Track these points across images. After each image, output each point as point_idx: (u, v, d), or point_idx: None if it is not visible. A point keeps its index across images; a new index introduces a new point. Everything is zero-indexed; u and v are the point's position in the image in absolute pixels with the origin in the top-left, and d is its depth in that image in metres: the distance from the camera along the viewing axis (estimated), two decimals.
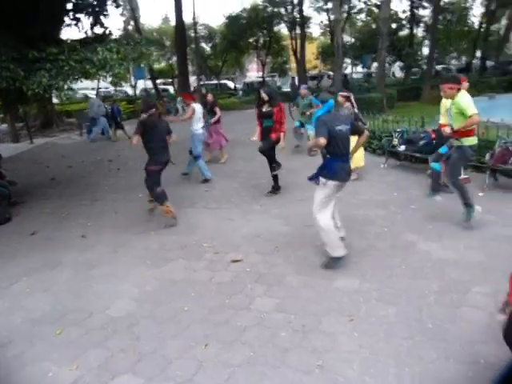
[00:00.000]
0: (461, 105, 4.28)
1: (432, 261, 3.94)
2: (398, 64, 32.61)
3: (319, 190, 3.89)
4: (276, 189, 6.43)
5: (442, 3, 28.27)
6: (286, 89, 31.34)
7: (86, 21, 6.21)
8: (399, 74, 33.10)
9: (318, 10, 29.90)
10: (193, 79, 28.55)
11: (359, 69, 35.23)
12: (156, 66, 32.25)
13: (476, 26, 29.13)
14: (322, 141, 3.56)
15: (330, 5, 29.18)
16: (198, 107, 7.55)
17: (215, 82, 29.60)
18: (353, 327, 3.02)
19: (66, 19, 6.11)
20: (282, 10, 28.34)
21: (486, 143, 6.50)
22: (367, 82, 25.90)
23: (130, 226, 5.45)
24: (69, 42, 5.37)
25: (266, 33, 29.02)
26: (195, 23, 21.39)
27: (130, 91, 30.43)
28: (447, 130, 4.55)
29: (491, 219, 4.79)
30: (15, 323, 3.38)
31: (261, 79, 31.45)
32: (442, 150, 5.07)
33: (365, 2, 28.92)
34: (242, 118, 16.56)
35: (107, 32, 6.00)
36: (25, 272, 4.30)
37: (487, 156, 5.77)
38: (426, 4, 28.54)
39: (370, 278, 3.71)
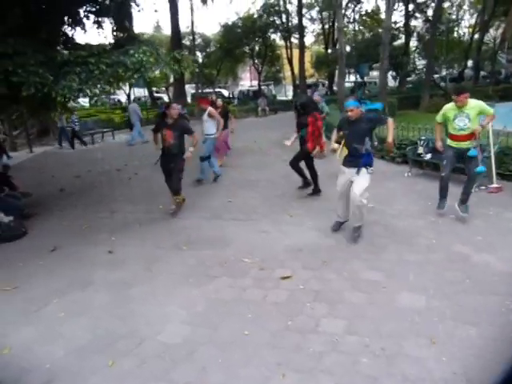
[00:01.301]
0: (482, 106, 4.87)
1: (495, 274, 3.73)
2: (391, 73, 33.17)
3: (367, 178, 4.41)
4: (316, 191, 6.43)
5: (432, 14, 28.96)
6: (281, 97, 31.50)
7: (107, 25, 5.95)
8: (392, 83, 33.46)
9: (312, 19, 30.09)
10: (187, 87, 28.33)
11: (351, 77, 35.52)
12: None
13: (467, 36, 29.76)
14: None
15: (324, 14, 29.51)
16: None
17: (210, 90, 29.38)
18: (438, 351, 2.77)
19: (87, 22, 5.83)
20: (278, 19, 28.41)
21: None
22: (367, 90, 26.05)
23: (157, 239, 5.13)
24: (95, 45, 5.06)
25: (261, 41, 29.03)
26: (193, 33, 21.22)
27: (123, 99, 29.97)
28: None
29: None
30: (57, 355, 3.02)
31: (255, 88, 31.47)
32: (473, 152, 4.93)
33: (358, 12, 29.29)
34: (245, 127, 16.38)
35: (132, 35, 5.70)
36: (53, 293, 3.93)
37: None
38: (417, 15, 29.18)
39: (435, 294, 3.47)
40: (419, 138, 7.28)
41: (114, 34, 6.01)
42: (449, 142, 5.13)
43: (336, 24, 18.10)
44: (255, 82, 44.89)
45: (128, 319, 3.42)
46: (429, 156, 6.99)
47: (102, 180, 8.57)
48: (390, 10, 15.81)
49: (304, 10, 29.19)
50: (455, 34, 31.01)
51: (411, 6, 26.56)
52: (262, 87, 30.53)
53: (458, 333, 2.95)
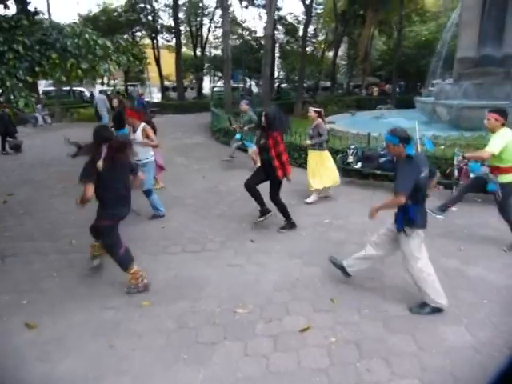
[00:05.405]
0: (491, 139, 4.26)
1: (501, 289, 3.68)
2: (255, 80, 34.79)
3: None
4: (290, 225, 5.24)
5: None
6: (146, 99, 29.58)
7: None
8: (255, 89, 34.97)
9: (181, 21, 29.17)
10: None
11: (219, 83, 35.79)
12: None
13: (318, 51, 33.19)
14: None
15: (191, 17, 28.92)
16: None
17: (67, 88, 25.24)
18: None
19: None
20: (144, 18, 26.52)
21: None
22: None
23: (98, 296, 3.67)
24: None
25: (127, 39, 26.58)
26: (51, 22, 17.87)
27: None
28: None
29: (492, 234, 4.89)
30: None
31: (118, 88, 28.71)
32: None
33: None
34: None
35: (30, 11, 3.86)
36: None
37: (456, 172, 6.01)
38: (279, 27, 31.15)
39: (471, 323, 3.18)
40: (348, 147, 7.26)
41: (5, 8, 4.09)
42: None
43: (223, 27, 17.51)
44: (113, 82, 41.17)
45: None
46: (359, 165, 7.01)
47: None
48: (271, 17, 16.13)
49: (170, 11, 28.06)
50: (308, 49, 34.07)
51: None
52: (129, 88, 28.02)
53: None
